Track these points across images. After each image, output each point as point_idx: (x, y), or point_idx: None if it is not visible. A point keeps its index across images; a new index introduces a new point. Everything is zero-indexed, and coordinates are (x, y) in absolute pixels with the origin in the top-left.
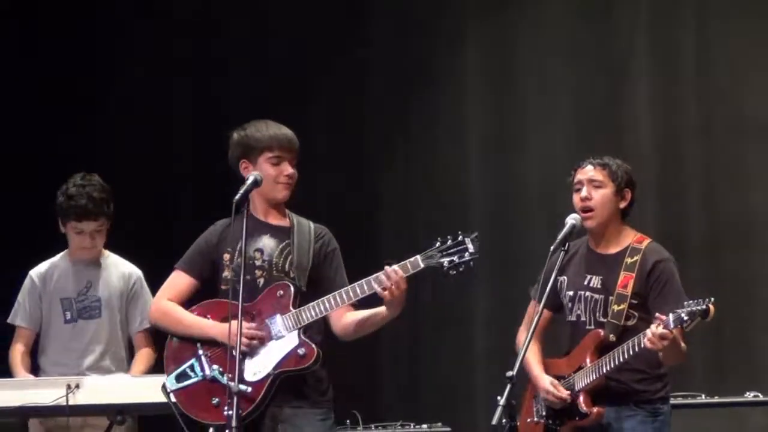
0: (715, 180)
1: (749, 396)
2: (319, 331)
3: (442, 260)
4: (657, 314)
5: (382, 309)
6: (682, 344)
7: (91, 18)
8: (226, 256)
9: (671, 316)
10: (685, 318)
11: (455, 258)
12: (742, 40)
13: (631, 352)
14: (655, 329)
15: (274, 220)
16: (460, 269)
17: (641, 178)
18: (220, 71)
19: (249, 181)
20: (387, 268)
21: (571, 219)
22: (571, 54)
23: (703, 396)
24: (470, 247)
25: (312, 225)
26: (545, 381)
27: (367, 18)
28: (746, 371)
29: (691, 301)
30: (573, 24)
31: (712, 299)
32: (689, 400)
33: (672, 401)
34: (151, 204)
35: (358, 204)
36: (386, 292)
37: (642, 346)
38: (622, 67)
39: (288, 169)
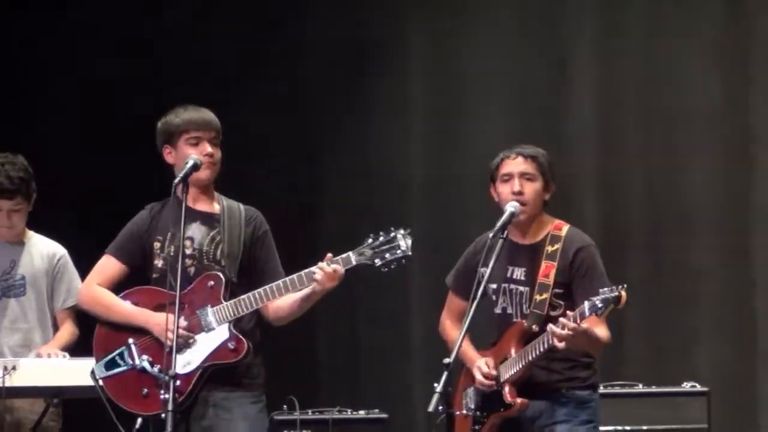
0: (655, 170)
1: (687, 386)
2: (251, 318)
3: (374, 258)
4: (567, 311)
5: (310, 290)
6: (597, 333)
7: None
8: (157, 245)
9: (587, 304)
10: (600, 305)
11: (387, 255)
12: (683, 32)
13: (546, 345)
14: (560, 325)
15: (204, 206)
16: (392, 266)
17: (582, 168)
18: (156, 59)
19: (189, 165)
20: (323, 264)
21: (510, 207)
22: (514, 43)
23: (641, 385)
24: (402, 244)
25: (242, 207)
26: (481, 360)
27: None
28: (684, 361)
29: (605, 288)
30: (518, 12)
31: (625, 285)
32: (627, 389)
33: (609, 390)
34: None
35: (299, 190)
36: (319, 286)
37: (551, 341)
38: (565, 56)
39: (206, 148)
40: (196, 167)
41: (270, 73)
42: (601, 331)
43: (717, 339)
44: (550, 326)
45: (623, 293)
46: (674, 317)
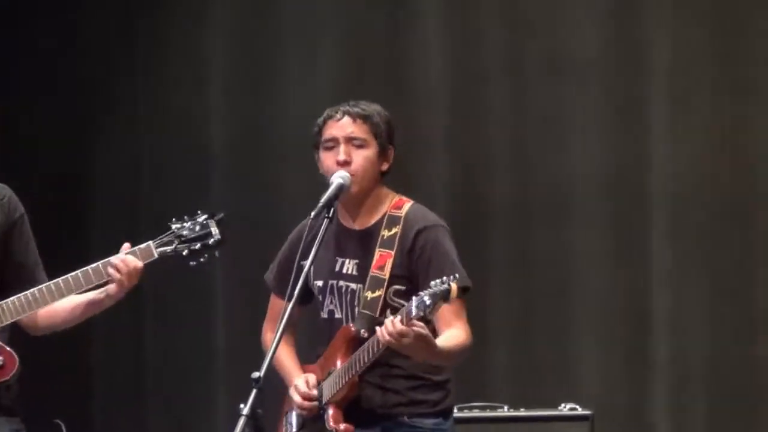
0: (525, 133)
1: (564, 409)
2: (6, 327)
3: (180, 248)
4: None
5: (101, 294)
6: (448, 341)
7: None
8: None
9: (414, 301)
10: (428, 302)
11: (197, 245)
12: None
13: (373, 352)
14: (388, 323)
15: None
16: (203, 258)
17: (432, 131)
18: None
19: None
20: (117, 257)
21: (339, 177)
22: None
23: (506, 408)
24: (213, 231)
25: None
26: (299, 378)
27: None
28: (562, 378)
29: (437, 280)
30: None
31: (456, 276)
32: (488, 413)
33: (467, 414)
34: None
35: (70, 162)
36: (116, 287)
37: (381, 344)
38: None
39: None
40: None
41: (44, 31)
42: (455, 337)
43: (602, 350)
44: (378, 329)
45: (454, 286)
46: (549, 323)
